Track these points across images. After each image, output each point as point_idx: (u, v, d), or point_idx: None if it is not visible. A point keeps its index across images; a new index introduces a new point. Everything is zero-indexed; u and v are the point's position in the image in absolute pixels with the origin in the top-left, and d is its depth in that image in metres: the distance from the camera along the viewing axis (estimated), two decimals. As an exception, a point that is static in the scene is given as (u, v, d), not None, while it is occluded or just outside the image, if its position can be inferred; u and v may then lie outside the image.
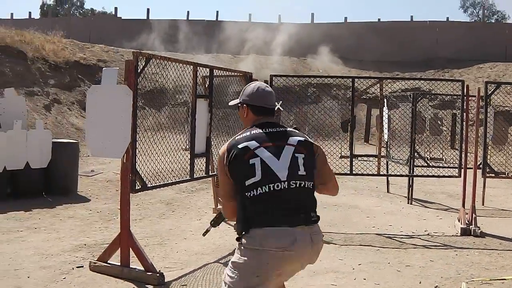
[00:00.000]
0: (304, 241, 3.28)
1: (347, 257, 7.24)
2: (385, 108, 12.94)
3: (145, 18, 40.40)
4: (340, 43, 33.84)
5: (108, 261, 6.26)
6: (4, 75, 20.06)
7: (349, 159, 9.51)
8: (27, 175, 10.45)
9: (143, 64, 6.38)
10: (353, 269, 6.72)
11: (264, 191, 3.30)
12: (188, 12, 46.71)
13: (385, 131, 13.03)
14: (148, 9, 57.34)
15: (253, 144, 3.41)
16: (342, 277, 6.37)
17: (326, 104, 16.86)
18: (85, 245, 7.44)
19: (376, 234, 8.53)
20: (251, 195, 3.30)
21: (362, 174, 9.87)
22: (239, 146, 3.41)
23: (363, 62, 33.67)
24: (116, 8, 58.27)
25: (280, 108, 9.40)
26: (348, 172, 9.43)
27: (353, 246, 7.79)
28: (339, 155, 14.04)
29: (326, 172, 3.70)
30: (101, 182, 12.85)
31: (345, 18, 39.92)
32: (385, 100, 12.89)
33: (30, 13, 44.79)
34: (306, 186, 3.40)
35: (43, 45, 24.04)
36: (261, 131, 3.51)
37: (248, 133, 3.50)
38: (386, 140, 12.97)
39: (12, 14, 43.14)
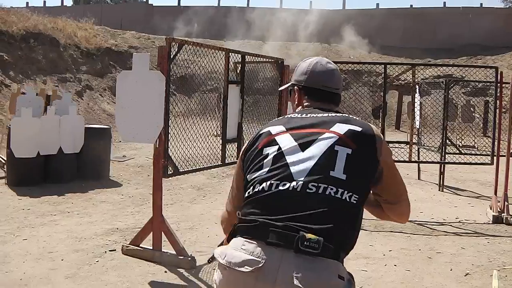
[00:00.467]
0: (271, 274, 2.10)
1: (377, 243, 7.23)
2: (417, 95, 12.83)
3: (176, 5, 40.50)
4: (371, 29, 33.61)
5: (140, 245, 6.33)
6: (38, 62, 20.29)
7: (380, 146, 9.46)
8: (60, 160, 10.58)
9: (176, 50, 6.41)
10: (384, 255, 6.71)
11: (262, 189, 2.30)
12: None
13: (417, 118, 12.94)
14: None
15: (278, 128, 2.47)
16: (372, 263, 6.37)
17: (357, 90, 16.75)
18: (117, 229, 7.52)
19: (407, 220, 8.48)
20: (248, 194, 2.36)
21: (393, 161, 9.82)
22: (262, 131, 2.52)
23: (395, 49, 33.39)
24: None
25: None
26: (379, 158, 9.37)
27: (384, 232, 7.77)
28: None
29: (394, 187, 2.54)
30: (133, 167, 12.97)
31: (377, 4, 39.63)
32: (417, 86, 12.79)
33: (62, 0, 45.03)
34: (339, 196, 2.23)
35: (75, 32, 24.25)
36: (300, 115, 2.54)
37: (283, 117, 2.62)
38: (417, 127, 12.87)
39: (44, 1, 43.53)
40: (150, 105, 6.08)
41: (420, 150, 12.22)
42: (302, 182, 2.25)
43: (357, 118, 2.53)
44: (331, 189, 2.24)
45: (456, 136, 18.68)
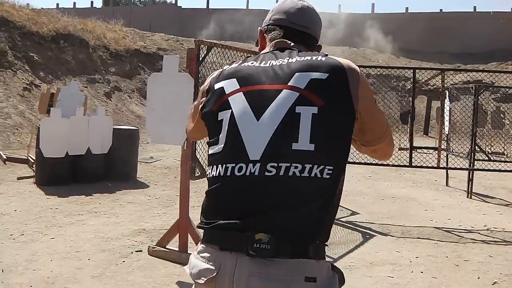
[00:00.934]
0: (227, 283, 1.88)
1: (404, 249, 7.17)
2: (446, 100, 12.72)
3: (205, 7, 40.67)
4: (400, 34, 33.48)
5: (167, 246, 6.35)
6: (67, 62, 20.48)
7: (407, 151, 9.43)
8: (88, 160, 10.66)
9: (205, 52, 6.44)
10: (410, 261, 6.65)
11: (218, 174, 1.99)
12: (247, 1, 46.77)
13: (446, 123, 12.82)
14: (208, -1, 57.57)
15: (230, 84, 2.08)
16: (399, 269, 6.31)
17: (386, 95, 16.64)
18: (144, 230, 7.56)
19: (434, 227, 8.40)
20: (208, 175, 2.07)
21: (421, 167, 9.78)
22: (216, 86, 2.12)
23: (424, 53, 33.19)
24: (176, -3, 58.75)
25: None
26: (407, 164, 9.33)
27: (411, 239, 7.71)
28: (398, 147, 13.89)
29: (373, 128, 2.13)
30: (160, 169, 13.02)
31: (406, 8, 39.34)
32: (446, 92, 12.68)
33: (92, 2, 45.54)
34: (305, 174, 1.87)
35: (105, 34, 24.44)
36: (255, 62, 2.12)
37: (235, 64, 2.17)
38: (446, 132, 12.76)
39: (74, 3, 44.16)
40: (179, 107, 6.10)
41: (448, 156, 12.11)
42: (259, 164, 1.89)
43: (325, 56, 2.06)
44: (295, 167, 1.86)
45: (485, 143, 18.47)
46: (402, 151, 10.53)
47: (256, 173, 1.89)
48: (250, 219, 1.87)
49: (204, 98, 2.17)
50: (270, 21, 2.30)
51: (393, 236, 7.77)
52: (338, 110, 1.94)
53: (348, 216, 8.93)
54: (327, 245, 1.99)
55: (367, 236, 7.74)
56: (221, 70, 2.20)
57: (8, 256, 6.15)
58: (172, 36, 30.98)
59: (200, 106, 2.20)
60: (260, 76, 2.04)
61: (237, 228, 1.87)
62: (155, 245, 6.45)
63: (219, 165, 1.98)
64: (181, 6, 42.47)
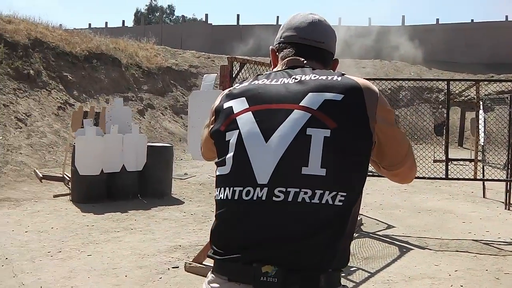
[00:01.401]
0: None
1: (443, 262, 7.07)
2: (481, 111, 12.58)
3: (235, 24, 40.87)
4: (431, 45, 33.26)
5: (203, 263, 6.35)
6: (100, 81, 20.71)
7: (443, 163, 9.33)
8: (123, 177, 10.74)
9: (238, 69, 6.48)
10: (450, 275, 6.55)
11: (225, 197, 1.89)
12: (277, 17, 46.89)
13: (481, 134, 12.67)
14: (238, 15, 57.87)
15: (239, 103, 1.97)
16: (438, 283, 6.22)
17: (419, 107, 16.59)
18: (180, 246, 7.57)
19: (473, 240, 8.28)
20: (216, 197, 1.97)
21: (458, 179, 9.66)
22: (225, 105, 2.02)
23: (456, 65, 32.89)
24: (206, 15, 59.19)
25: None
26: (443, 176, 9.22)
27: (449, 252, 7.60)
28: (433, 159, 13.77)
29: (393, 152, 2.01)
30: (195, 185, 13.05)
31: (437, 19, 39.14)
32: (481, 102, 12.54)
33: (123, 21, 46.04)
34: (316, 201, 1.75)
35: (137, 52, 24.68)
36: (265, 80, 2.01)
37: (246, 83, 2.07)
38: (482, 144, 12.61)
39: (106, 23, 44.64)
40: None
41: (485, 168, 11.95)
42: (266, 188, 1.78)
43: (341, 76, 1.93)
44: (305, 193, 1.75)
45: (521, 153, 18.21)
46: (437, 163, 10.44)
47: (264, 198, 1.78)
48: (257, 250, 1.77)
49: (213, 117, 2.08)
50: (281, 39, 2.18)
51: (431, 250, 7.67)
52: (353, 133, 1.82)
53: (384, 229, 8.85)
54: (342, 271, 1.88)
55: (405, 249, 7.65)
56: (231, 88, 2.11)
57: (46, 273, 6.20)
58: (203, 53, 31.17)
59: (210, 125, 2.10)
60: (271, 95, 1.93)
61: (244, 260, 1.78)
62: (192, 261, 6.45)
63: (227, 188, 1.88)
64: (211, 23, 42.75)
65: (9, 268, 6.36)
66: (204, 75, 6.96)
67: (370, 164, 2.00)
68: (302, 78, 1.93)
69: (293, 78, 1.95)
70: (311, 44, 2.11)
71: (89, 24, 44.34)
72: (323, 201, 1.74)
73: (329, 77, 1.91)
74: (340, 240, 1.79)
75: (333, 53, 2.18)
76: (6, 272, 6.22)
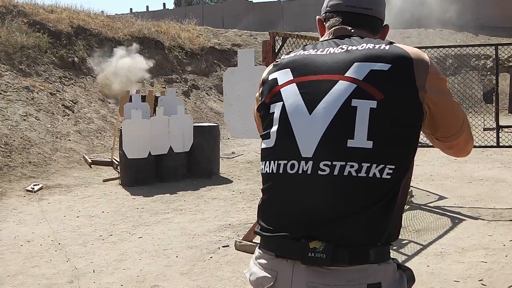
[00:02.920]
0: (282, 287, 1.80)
1: (496, 233, 6.88)
2: (531, 75, 12.25)
3: (276, 0, 40.61)
4: (477, 10, 32.48)
5: (253, 240, 6.32)
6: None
7: (493, 131, 9.11)
8: (171, 159, 10.79)
9: (280, 44, 6.39)
10: (504, 245, 6.37)
11: (271, 170, 1.87)
12: (318, -9, 46.39)
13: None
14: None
15: (284, 74, 1.93)
16: (492, 254, 6.06)
17: (466, 75, 16.23)
18: (229, 225, 7.56)
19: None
20: (261, 170, 1.96)
21: (510, 146, 9.40)
22: (270, 77, 2.00)
23: (503, 29, 32.06)
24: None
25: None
26: (494, 144, 9.01)
27: (503, 222, 7.40)
28: (482, 127, 13.48)
29: (446, 123, 1.90)
30: (242, 164, 13.05)
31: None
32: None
33: (164, 4, 46.27)
34: (363, 174, 1.70)
35: (179, 34, 24.69)
36: (311, 51, 1.95)
37: (293, 54, 2.02)
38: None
39: (147, 6, 44.86)
40: (256, 99, 6.05)
41: (538, 133, 11.64)
42: (311, 161, 1.74)
43: (390, 45, 1.84)
44: (351, 166, 1.70)
45: None
46: (487, 131, 10.18)
47: (309, 172, 1.74)
48: (304, 226, 1.75)
49: (260, 90, 2.04)
50: (327, 8, 2.09)
51: (484, 220, 7.49)
52: (400, 105, 1.74)
53: (436, 201, 8.68)
54: (392, 244, 1.83)
55: (457, 220, 7.49)
56: (279, 60, 2.06)
57: (98, 256, 6.26)
58: (245, 31, 31.04)
59: (258, 98, 2.07)
60: (316, 66, 1.87)
61: (291, 236, 1.76)
62: (242, 240, 6.44)
63: (272, 162, 1.86)
64: (252, 1, 42.56)
65: (62, 253, 6.45)
66: (238, 51, 6.86)
67: (424, 136, 1.97)
68: (349, 48, 1.86)
69: (339, 47, 1.89)
70: (358, 11, 2.01)
71: (131, 9, 44.69)
72: (370, 175, 1.69)
73: (377, 46, 1.83)
74: (390, 214, 1.74)
75: (382, 19, 2.09)
76: (60, 257, 6.31)
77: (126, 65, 18.10)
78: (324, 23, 2.11)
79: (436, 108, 1.82)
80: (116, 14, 29.59)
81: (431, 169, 11.02)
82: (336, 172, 1.70)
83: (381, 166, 1.70)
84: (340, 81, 1.78)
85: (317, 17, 2.16)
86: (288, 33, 6.69)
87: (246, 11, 39.77)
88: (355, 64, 1.79)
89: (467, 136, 2.04)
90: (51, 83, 15.87)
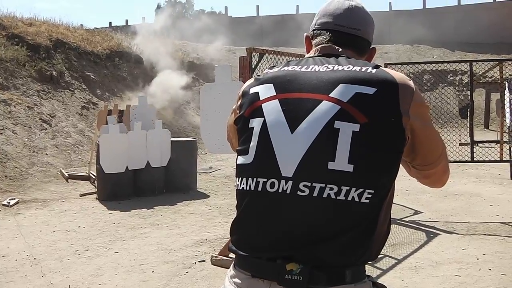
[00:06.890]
0: None
1: (470, 246, 6.99)
2: (506, 92, 12.42)
3: (255, 15, 40.80)
4: (454, 27, 32.89)
5: (230, 255, 6.35)
6: (123, 79, 20.89)
7: (468, 146, 9.24)
8: (148, 174, 10.80)
9: (257, 59, 6.45)
10: (478, 259, 6.47)
11: (248, 187, 1.83)
12: (297, 6, 46.61)
13: (507, 115, 12.51)
14: (257, 6, 57.63)
15: (266, 89, 1.90)
16: (466, 268, 6.15)
17: (443, 90, 16.42)
18: (206, 240, 7.58)
19: (501, 223, 8.17)
20: (237, 186, 1.92)
21: (484, 161, 9.55)
22: (251, 90, 1.96)
23: (480, 46, 32.48)
24: (226, 8, 59.43)
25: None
26: (469, 159, 9.14)
27: (477, 236, 7.51)
28: (458, 142, 13.63)
29: (425, 151, 1.93)
30: (220, 178, 13.08)
31: (458, 0, 38.57)
32: (506, 83, 12.38)
33: (143, 18, 46.20)
34: (341, 198, 1.69)
35: (157, 48, 24.72)
36: (295, 67, 1.93)
37: (276, 69, 2.00)
38: (508, 125, 12.45)
39: (127, 20, 44.65)
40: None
41: (511, 149, 11.81)
42: (291, 181, 1.72)
43: (376, 68, 1.83)
44: (330, 188, 1.68)
45: (549, 133, 17.93)
46: (462, 146, 10.32)
47: (288, 192, 1.72)
48: (281, 246, 1.73)
49: (239, 102, 2.00)
50: (316, 26, 2.08)
51: (458, 234, 7.60)
52: (383, 129, 1.73)
53: (411, 215, 8.79)
54: (367, 263, 1.85)
55: (432, 235, 7.59)
56: (261, 74, 2.04)
57: (74, 271, 6.26)
58: (224, 46, 31.13)
59: (236, 111, 2.03)
60: (300, 83, 1.84)
61: (268, 257, 1.75)
62: (218, 254, 6.47)
63: (249, 178, 1.82)
64: (231, 16, 42.69)
65: (38, 268, 6.43)
66: (216, 66, 6.91)
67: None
68: (335, 68, 1.85)
69: (325, 66, 1.87)
70: (346, 31, 2.02)
71: (110, 23, 44.45)
72: (349, 198, 1.68)
73: (363, 69, 1.83)
74: (371, 237, 1.74)
75: (370, 41, 2.10)
76: (35, 272, 6.29)
77: None
78: (312, 40, 2.10)
79: (417, 135, 1.83)
80: (95, 28, 29.52)
81: (407, 184, 11.06)
82: (315, 194, 1.69)
83: (360, 190, 1.69)
84: (324, 101, 1.76)
85: (305, 34, 2.15)
86: (265, 49, 6.77)
87: (225, 26, 39.92)
88: (341, 85, 1.78)
89: (444, 167, 2.05)
90: (28, 97, 15.81)
